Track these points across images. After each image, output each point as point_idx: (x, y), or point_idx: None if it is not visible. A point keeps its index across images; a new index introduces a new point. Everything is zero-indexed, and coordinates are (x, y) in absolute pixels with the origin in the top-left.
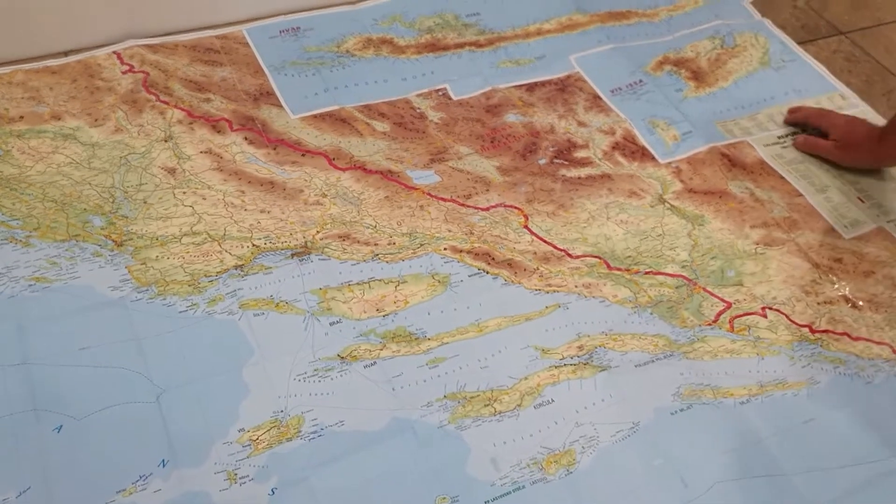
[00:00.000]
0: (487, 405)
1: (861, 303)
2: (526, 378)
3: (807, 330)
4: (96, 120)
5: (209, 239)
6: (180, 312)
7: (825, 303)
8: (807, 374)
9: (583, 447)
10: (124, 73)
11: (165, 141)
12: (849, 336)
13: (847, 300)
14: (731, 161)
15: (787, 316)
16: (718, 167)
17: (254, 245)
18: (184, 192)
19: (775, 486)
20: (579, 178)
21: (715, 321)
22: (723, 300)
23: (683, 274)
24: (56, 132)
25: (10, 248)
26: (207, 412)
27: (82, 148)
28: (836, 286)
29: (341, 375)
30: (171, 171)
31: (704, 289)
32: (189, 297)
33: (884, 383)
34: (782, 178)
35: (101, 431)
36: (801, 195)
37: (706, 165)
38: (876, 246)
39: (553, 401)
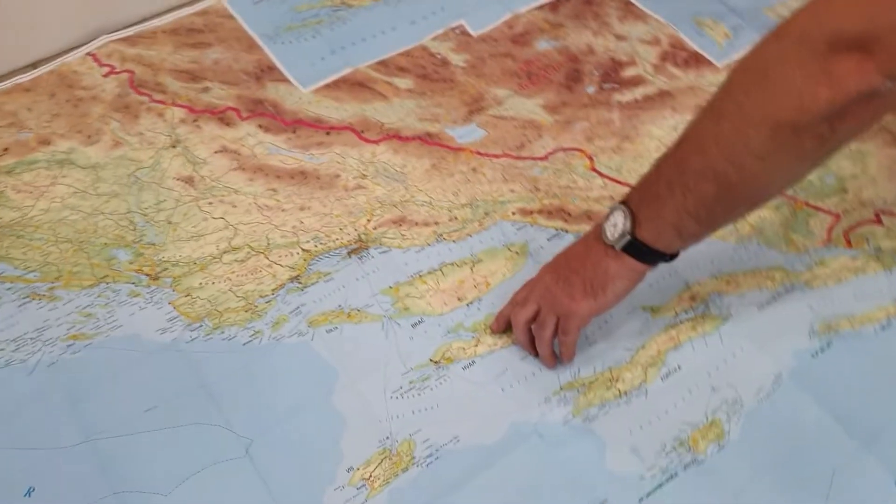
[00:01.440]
0: (610, 387)
1: None
2: (643, 346)
3: None
4: (89, 137)
5: (253, 252)
6: (244, 344)
7: None
8: None
9: (727, 414)
10: (105, 75)
11: (173, 146)
12: None
13: None
14: None
15: None
16: None
17: (303, 250)
18: (209, 203)
19: None
20: (636, 101)
21: (828, 239)
22: (829, 212)
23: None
24: (49, 160)
25: (35, 307)
26: (306, 456)
27: (83, 172)
28: None
29: (440, 384)
30: (189, 181)
31: (806, 203)
32: (250, 325)
33: None
34: None
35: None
36: None
37: None
38: None
39: (680, 367)
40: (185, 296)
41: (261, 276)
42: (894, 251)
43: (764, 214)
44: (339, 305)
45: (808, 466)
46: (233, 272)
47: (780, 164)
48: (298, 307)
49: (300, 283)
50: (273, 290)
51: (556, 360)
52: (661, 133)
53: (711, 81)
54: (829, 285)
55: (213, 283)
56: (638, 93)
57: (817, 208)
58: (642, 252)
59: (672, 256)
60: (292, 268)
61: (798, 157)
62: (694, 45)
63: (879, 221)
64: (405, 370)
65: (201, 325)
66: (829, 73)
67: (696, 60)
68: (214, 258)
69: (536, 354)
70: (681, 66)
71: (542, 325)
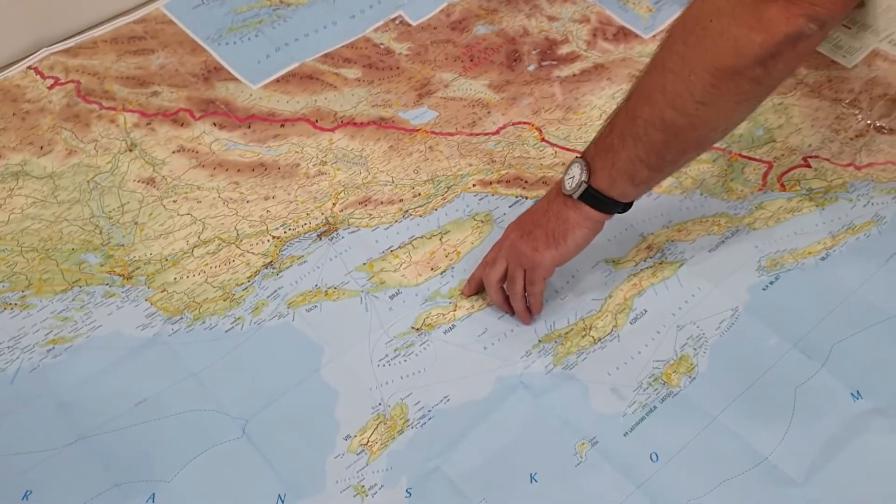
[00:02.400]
0: (584, 335)
1: (889, 127)
2: (610, 296)
3: (852, 168)
4: (41, 148)
5: (223, 244)
6: (227, 331)
7: (857, 136)
8: (871, 212)
9: (694, 349)
10: (51, 87)
11: (130, 150)
12: (892, 163)
13: (876, 128)
14: None
15: (828, 160)
16: None
17: (273, 237)
18: (174, 201)
19: (888, 330)
20: (574, 75)
21: (764, 184)
22: (762, 161)
23: (714, 145)
24: (2, 173)
25: (8, 316)
26: (303, 429)
27: (39, 182)
28: (860, 116)
29: (424, 349)
30: (150, 182)
31: (740, 154)
32: (230, 313)
33: None
34: None
35: (198, 486)
36: None
37: None
38: (879, 68)
39: (646, 311)
40: (161, 291)
41: (234, 265)
42: (825, 190)
43: (704, 168)
44: (316, 285)
45: (772, 388)
46: (206, 264)
47: (722, 107)
48: (276, 291)
49: (274, 268)
50: (248, 277)
51: (529, 315)
52: (600, 102)
53: (641, 52)
54: (770, 226)
55: (188, 276)
56: (575, 67)
57: (751, 158)
58: (599, 200)
59: (626, 206)
60: (265, 255)
61: (737, 100)
62: (621, 21)
63: (808, 165)
64: (388, 339)
65: (181, 318)
66: (761, 19)
67: (624, 34)
68: (186, 253)
69: (512, 312)
70: (611, 41)
71: (512, 280)
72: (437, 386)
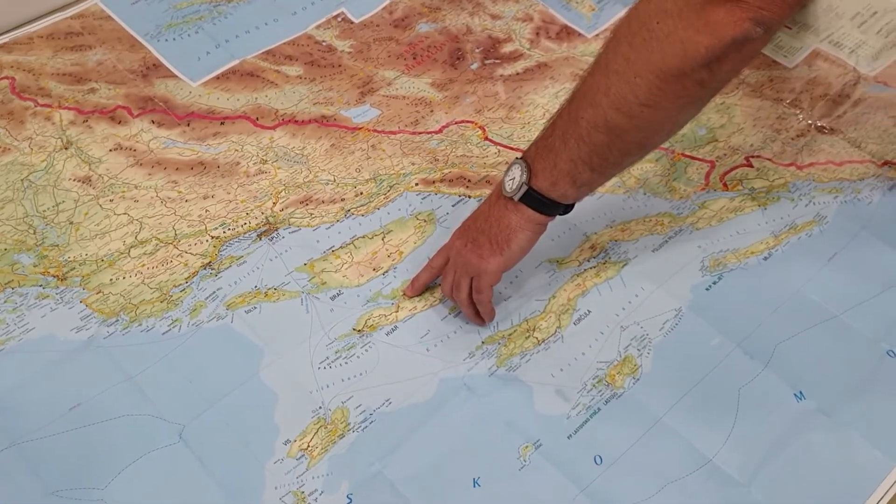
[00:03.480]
0: (528, 336)
1: (829, 127)
2: (554, 296)
3: (794, 168)
4: None
5: (161, 244)
6: (164, 334)
7: (798, 136)
8: (812, 212)
9: (638, 350)
10: None
11: (65, 148)
12: (833, 163)
13: (817, 128)
14: None
15: (770, 159)
16: None
17: (212, 237)
18: (110, 200)
19: (831, 329)
20: (517, 73)
21: (707, 184)
22: (705, 160)
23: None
24: None
25: None
26: (242, 434)
27: None
28: (801, 116)
29: (366, 351)
30: (86, 180)
31: (683, 154)
32: (167, 315)
33: (883, 198)
34: None
35: (134, 493)
36: None
37: None
38: (819, 68)
39: (590, 311)
40: (97, 293)
41: (172, 266)
42: (767, 190)
43: (646, 167)
44: (256, 286)
45: (716, 388)
46: (143, 265)
47: (667, 109)
48: (214, 292)
49: (213, 269)
50: (186, 278)
51: (481, 319)
52: (543, 101)
53: (584, 51)
54: (713, 225)
55: (125, 277)
56: (518, 66)
57: (693, 157)
58: (539, 202)
59: (567, 208)
60: (203, 255)
61: (682, 103)
62: (563, 19)
63: (750, 164)
64: (329, 341)
65: (117, 320)
66: (707, 22)
67: (567, 33)
68: (122, 253)
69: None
70: (554, 40)
71: (457, 287)
72: (379, 389)
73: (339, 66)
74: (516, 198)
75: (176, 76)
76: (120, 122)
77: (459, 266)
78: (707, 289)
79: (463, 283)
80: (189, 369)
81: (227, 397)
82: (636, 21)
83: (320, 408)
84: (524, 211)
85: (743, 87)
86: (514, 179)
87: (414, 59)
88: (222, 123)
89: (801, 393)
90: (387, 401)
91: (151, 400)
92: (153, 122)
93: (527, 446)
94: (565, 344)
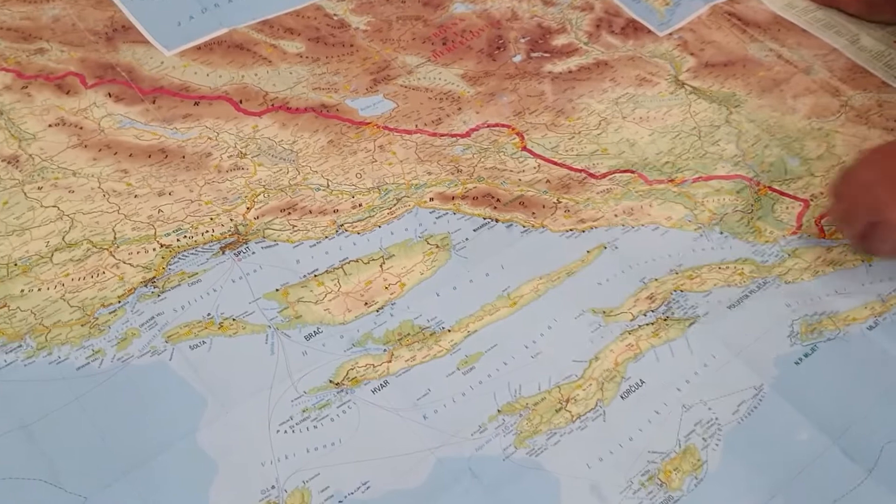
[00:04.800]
0: (560, 409)
1: None
2: (597, 358)
3: None
4: None
5: (94, 249)
6: (79, 369)
7: None
8: None
9: (704, 439)
10: None
11: None
12: None
13: None
14: (742, 20)
15: None
16: (729, 30)
17: (162, 245)
18: (39, 188)
19: None
20: (570, 71)
21: (799, 227)
22: (797, 198)
23: (739, 173)
24: None
25: None
26: None
27: None
28: None
29: (343, 412)
30: (13, 161)
31: (770, 187)
32: (87, 343)
33: None
34: (805, 31)
35: None
36: (834, 49)
37: (714, 30)
38: None
39: (643, 382)
40: (2, 307)
41: (104, 279)
42: None
43: (725, 199)
44: (209, 314)
45: (803, 498)
46: (66, 275)
47: None
48: (153, 318)
49: (157, 286)
50: (120, 296)
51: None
52: (601, 108)
53: (654, 52)
54: (805, 280)
55: (41, 289)
56: (572, 63)
57: (783, 193)
58: None
59: None
60: (147, 268)
61: None
62: (631, 12)
63: None
64: (297, 395)
65: (21, 346)
66: None
67: (634, 29)
68: (43, 257)
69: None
70: (618, 35)
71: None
72: (355, 466)
73: (351, 45)
74: None
75: (147, 42)
76: (68, 93)
77: (862, 202)
78: (797, 362)
79: (858, 219)
80: (104, 420)
81: (148, 464)
82: None
83: (273, 487)
84: None
85: (846, 111)
86: None
87: (444, 44)
88: (196, 104)
89: None
90: (364, 484)
91: (48, 458)
92: (109, 96)
93: None
94: (608, 424)
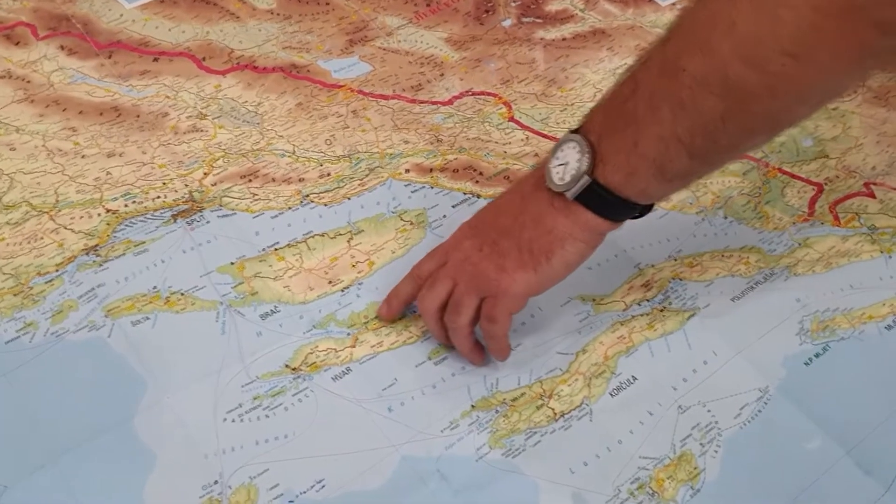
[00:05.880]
0: (541, 406)
1: None
2: (584, 350)
3: None
4: None
5: (33, 212)
6: (8, 343)
7: None
8: None
9: (702, 444)
10: None
11: None
12: None
13: None
14: None
15: None
16: None
17: (108, 210)
18: None
19: None
20: (563, 39)
21: (811, 213)
22: (809, 182)
23: (746, 153)
24: None
25: None
26: None
27: None
28: None
29: (300, 401)
30: None
31: (780, 169)
32: (18, 315)
33: None
34: None
35: None
36: None
37: None
38: None
39: (635, 379)
40: None
41: (41, 245)
42: (893, 232)
43: (730, 181)
44: (155, 287)
45: None
46: (1, 239)
47: (821, 65)
48: (93, 289)
49: (99, 255)
50: (58, 265)
51: (482, 354)
52: (596, 78)
53: (654, 22)
54: (817, 272)
55: None
56: (566, 30)
57: (794, 176)
58: (604, 202)
59: (644, 210)
60: (90, 234)
61: (847, 56)
62: None
63: (871, 194)
64: (248, 380)
65: None
66: None
67: None
68: None
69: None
70: (617, 3)
71: (457, 307)
72: (309, 462)
73: (327, 3)
74: (570, 195)
75: None
76: (18, 44)
77: (467, 277)
78: (807, 363)
79: (466, 302)
80: (32, 401)
81: (77, 451)
82: None
83: (216, 483)
84: (579, 213)
85: (863, 92)
86: (568, 166)
87: (428, 5)
88: (156, 60)
89: None
90: (319, 482)
91: None
92: (62, 49)
93: None
94: (595, 424)
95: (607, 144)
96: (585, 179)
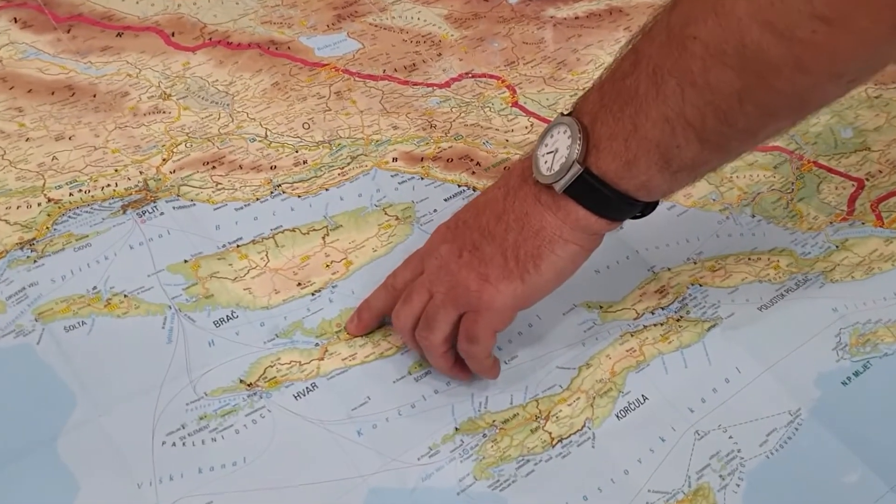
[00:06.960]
0: (536, 429)
1: None
2: (589, 365)
3: None
4: None
5: None
6: None
7: None
8: None
9: (721, 476)
10: None
11: None
12: None
13: None
14: None
15: None
16: None
17: (50, 200)
18: None
19: None
20: (576, 18)
21: (851, 212)
22: (849, 177)
23: (778, 144)
24: None
25: None
26: None
27: None
28: None
29: (255, 421)
30: None
31: (816, 162)
32: None
33: None
34: None
35: None
36: None
37: None
38: None
39: (646, 399)
40: None
41: None
42: None
43: (759, 175)
44: (95, 287)
45: None
46: None
47: (860, 30)
48: (24, 289)
49: (35, 250)
50: None
51: (468, 371)
52: (611, 60)
53: None
54: (857, 278)
55: None
56: (579, 8)
57: (832, 170)
58: (598, 196)
59: (647, 208)
60: (26, 226)
61: (892, 21)
62: None
63: None
64: (194, 397)
65: None
66: None
67: None
68: None
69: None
70: None
71: (429, 322)
72: (260, 495)
73: None
74: (559, 188)
75: None
76: None
77: (443, 288)
78: (844, 382)
79: (441, 315)
80: None
81: None
82: None
83: None
84: (570, 210)
85: None
86: (558, 153)
87: None
88: (119, 35)
89: None
90: None
91: None
92: (16, 21)
93: None
94: (598, 451)
95: (602, 127)
96: (576, 168)
